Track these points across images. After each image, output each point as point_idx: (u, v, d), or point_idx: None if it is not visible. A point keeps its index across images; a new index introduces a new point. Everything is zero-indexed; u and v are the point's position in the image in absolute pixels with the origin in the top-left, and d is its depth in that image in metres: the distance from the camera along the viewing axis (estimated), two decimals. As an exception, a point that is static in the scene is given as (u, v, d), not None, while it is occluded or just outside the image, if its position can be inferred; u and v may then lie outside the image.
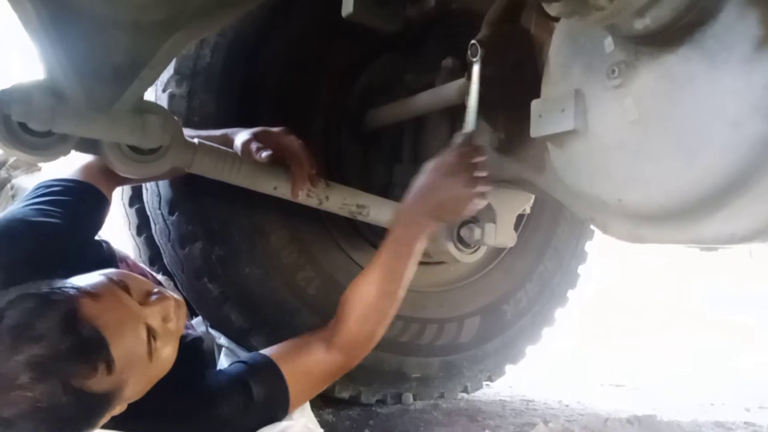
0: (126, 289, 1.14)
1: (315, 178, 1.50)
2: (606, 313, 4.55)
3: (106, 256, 1.43)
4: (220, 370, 1.41)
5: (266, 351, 1.43)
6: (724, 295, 5.29)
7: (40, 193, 1.36)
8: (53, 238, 1.25)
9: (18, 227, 1.24)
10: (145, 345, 1.12)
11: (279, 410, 1.34)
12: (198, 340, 1.50)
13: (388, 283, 1.41)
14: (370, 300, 1.41)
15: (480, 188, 1.38)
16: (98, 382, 1.00)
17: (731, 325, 4.32)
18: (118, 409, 1.10)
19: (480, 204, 1.43)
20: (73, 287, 1.06)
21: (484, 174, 1.39)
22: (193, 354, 1.40)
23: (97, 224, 1.44)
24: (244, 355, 1.57)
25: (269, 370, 1.35)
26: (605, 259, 5.79)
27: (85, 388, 0.98)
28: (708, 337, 4.08)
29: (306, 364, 1.40)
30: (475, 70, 1.40)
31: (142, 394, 1.15)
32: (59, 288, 1.04)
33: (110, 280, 1.13)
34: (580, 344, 3.74)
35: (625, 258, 6.27)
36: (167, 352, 1.18)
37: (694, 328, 4.26)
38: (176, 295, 1.25)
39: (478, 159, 1.38)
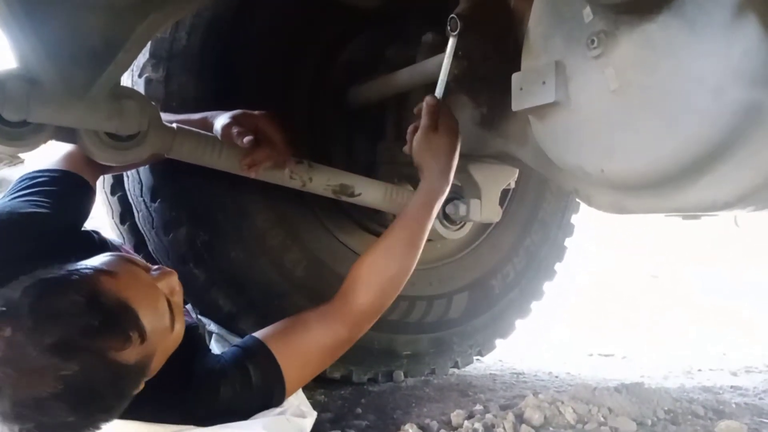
0: (136, 265, 1.15)
1: (288, 163, 1.50)
2: (600, 302, 4.59)
3: (98, 245, 1.41)
4: (216, 354, 1.39)
5: (259, 333, 1.39)
6: (719, 282, 5.34)
7: (25, 185, 1.35)
8: (44, 227, 1.24)
9: (7, 219, 1.22)
10: (168, 315, 1.13)
11: (275, 394, 1.32)
12: (194, 326, 1.48)
13: (409, 253, 1.41)
14: (389, 273, 1.40)
15: None
16: (132, 353, 1.01)
17: (724, 311, 4.38)
18: (141, 384, 1.10)
19: None
20: (88, 267, 1.06)
21: None
22: (192, 338, 1.39)
23: (84, 213, 1.43)
24: (237, 339, 1.55)
25: (263, 354, 1.33)
26: (600, 247, 5.85)
27: (119, 360, 0.99)
28: (700, 319, 4.13)
29: (302, 344, 1.36)
30: (451, 43, 1.39)
31: (158, 368, 1.15)
32: (75, 269, 1.04)
33: (121, 257, 1.15)
34: (573, 326, 3.77)
35: (620, 246, 6.34)
36: (180, 326, 1.18)
37: (687, 314, 4.32)
38: None
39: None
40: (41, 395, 0.92)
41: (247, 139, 1.34)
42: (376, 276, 1.39)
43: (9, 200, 1.30)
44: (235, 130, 1.37)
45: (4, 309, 0.95)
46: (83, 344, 0.95)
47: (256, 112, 1.43)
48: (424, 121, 1.43)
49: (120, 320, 1.01)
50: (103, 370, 0.97)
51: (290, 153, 1.47)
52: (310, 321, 1.39)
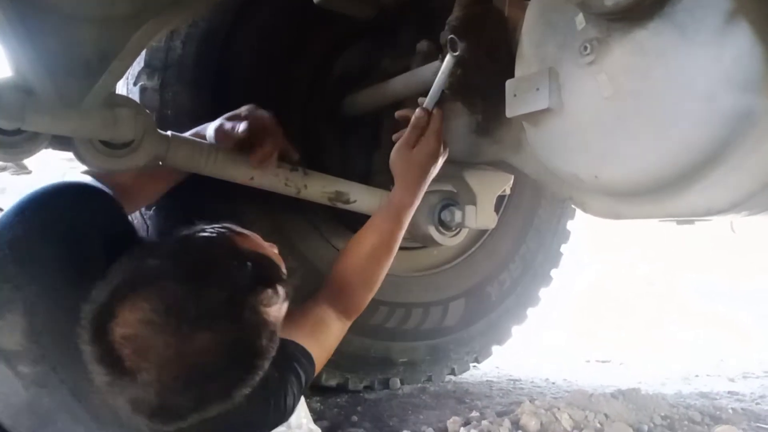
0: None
1: (283, 170, 1.50)
2: (597, 308, 4.60)
3: None
4: None
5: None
6: (715, 289, 5.35)
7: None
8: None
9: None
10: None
11: (306, 390, 1.32)
12: None
13: (388, 254, 1.46)
14: (375, 275, 1.46)
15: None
16: (276, 309, 0.98)
17: (721, 317, 4.39)
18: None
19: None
20: (223, 227, 1.04)
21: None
22: None
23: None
24: None
25: (304, 355, 1.30)
26: (597, 255, 5.84)
27: (268, 316, 0.95)
28: (696, 325, 4.14)
29: (328, 342, 1.39)
30: (447, 61, 1.39)
31: None
32: (213, 229, 1.02)
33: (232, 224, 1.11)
34: (569, 332, 3.77)
35: (615, 252, 6.34)
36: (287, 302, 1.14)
37: (684, 320, 4.32)
38: None
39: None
40: (201, 359, 0.87)
41: (242, 127, 1.34)
42: (364, 276, 1.46)
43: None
44: (228, 125, 1.38)
45: (148, 272, 0.90)
46: (240, 299, 0.92)
47: (242, 108, 1.42)
48: (407, 134, 1.43)
49: (269, 274, 0.99)
50: (258, 324, 0.93)
51: (285, 142, 1.47)
52: (326, 318, 1.40)
